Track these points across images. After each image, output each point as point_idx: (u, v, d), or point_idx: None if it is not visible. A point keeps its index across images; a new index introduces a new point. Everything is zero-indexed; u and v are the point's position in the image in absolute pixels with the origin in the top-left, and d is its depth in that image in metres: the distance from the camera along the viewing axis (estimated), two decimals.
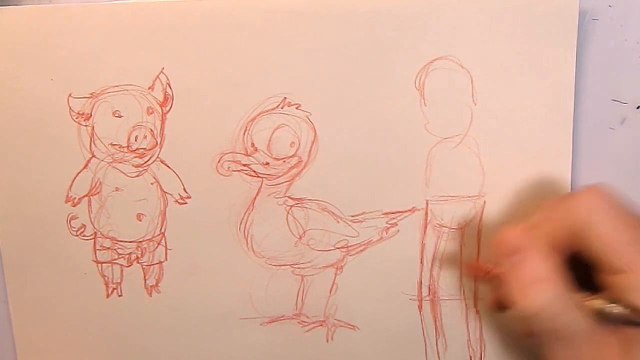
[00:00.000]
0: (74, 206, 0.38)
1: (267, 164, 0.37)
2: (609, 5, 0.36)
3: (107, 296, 0.39)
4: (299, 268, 0.38)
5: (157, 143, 0.37)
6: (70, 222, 0.38)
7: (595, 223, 0.29)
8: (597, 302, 0.29)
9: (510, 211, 0.37)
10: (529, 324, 0.30)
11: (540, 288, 0.29)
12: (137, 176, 0.37)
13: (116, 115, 0.37)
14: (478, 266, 0.36)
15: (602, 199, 0.29)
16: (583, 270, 0.31)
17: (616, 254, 0.29)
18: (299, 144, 0.37)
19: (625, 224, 0.29)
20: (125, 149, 0.37)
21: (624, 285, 0.28)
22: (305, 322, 0.39)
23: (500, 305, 0.34)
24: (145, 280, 0.38)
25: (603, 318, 0.29)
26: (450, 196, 0.37)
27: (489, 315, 0.38)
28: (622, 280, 0.29)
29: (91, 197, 0.38)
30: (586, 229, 0.29)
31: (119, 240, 0.38)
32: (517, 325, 0.33)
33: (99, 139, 0.37)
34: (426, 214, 0.37)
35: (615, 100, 0.37)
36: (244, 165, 0.37)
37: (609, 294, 0.29)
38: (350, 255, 0.38)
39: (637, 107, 0.37)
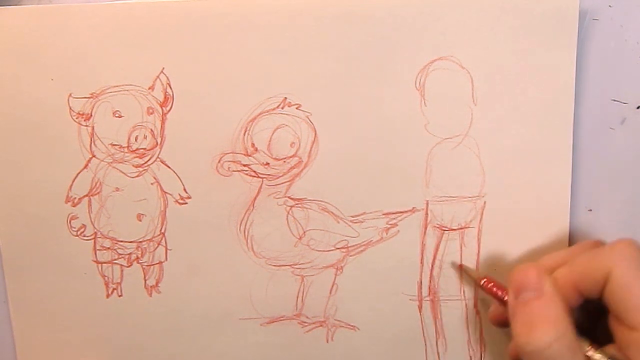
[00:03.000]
0: (74, 206, 0.38)
1: (267, 164, 0.37)
2: (609, 5, 0.36)
3: (107, 296, 0.39)
4: (299, 268, 0.38)
5: (157, 143, 0.37)
6: (70, 222, 0.38)
7: (622, 274, 0.29)
8: (598, 356, 0.30)
9: (510, 211, 0.37)
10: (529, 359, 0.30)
11: (546, 328, 0.30)
12: (137, 176, 0.37)
13: (116, 115, 0.37)
14: (492, 282, 0.36)
15: (635, 253, 0.29)
16: (598, 314, 0.31)
17: (635, 311, 0.29)
18: (299, 144, 0.37)
19: None
20: (126, 149, 0.37)
21: (632, 342, 0.29)
22: (305, 322, 0.39)
23: (500, 322, 0.35)
24: (145, 280, 0.38)
25: None
26: (450, 196, 0.37)
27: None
28: (632, 337, 0.29)
29: (91, 197, 0.38)
30: (612, 278, 0.29)
31: (119, 241, 0.38)
32: (514, 352, 0.33)
33: (99, 139, 0.37)
34: (426, 214, 0.37)
35: (615, 100, 0.37)
36: (244, 165, 0.37)
37: (616, 347, 0.30)
38: (351, 256, 0.38)
39: (637, 107, 0.37)
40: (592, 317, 0.32)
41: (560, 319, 0.30)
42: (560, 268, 0.32)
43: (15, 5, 0.35)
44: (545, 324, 0.30)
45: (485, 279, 0.36)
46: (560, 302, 0.30)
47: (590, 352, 0.30)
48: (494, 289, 0.35)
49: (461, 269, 0.38)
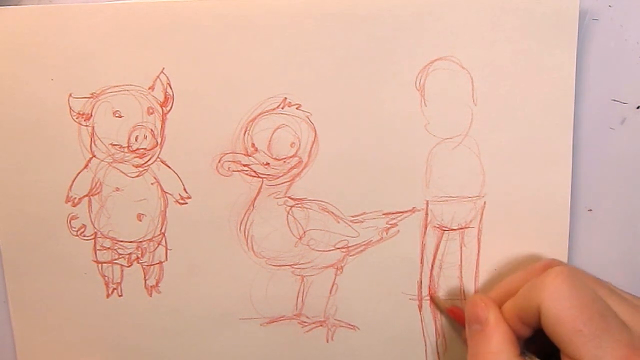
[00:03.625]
0: (74, 206, 0.38)
1: (268, 164, 0.37)
2: (609, 5, 0.36)
3: (107, 296, 0.39)
4: (299, 268, 0.38)
5: (157, 143, 0.37)
6: (70, 222, 0.38)
7: (550, 308, 0.30)
8: None
9: (510, 211, 0.37)
10: None
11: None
12: (137, 176, 0.37)
13: (116, 115, 0.37)
14: (456, 311, 0.37)
15: (566, 286, 0.30)
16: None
17: (567, 343, 0.29)
18: (299, 144, 0.37)
19: (585, 313, 0.29)
20: (126, 149, 0.37)
21: None
22: (305, 322, 0.39)
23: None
24: (145, 280, 0.38)
25: None
26: (450, 197, 0.37)
27: None
28: None
29: (91, 197, 0.38)
30: (542, 313, 0.30)
31: (119, 241, 0.38)
32: None
33: (99, 139, 0.37)
34: (426, 214, 0.37)
35: (615, 100, 0.37)
36: (244, 165, 0.37)
37: None
38: (351, 256, 0.38)
39: (637, 107, 0.37)
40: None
41: (504, 352, 0.31)
42: (510, 298, 0.33)
43: (15, 5, 0.35)
44: (488, 355, 0.32)
45: (451, 307, 0.37)
46: (504, 334, 0.32)
47: None
48: (459, 317, 0.37)
49: (432, 299, 0.38)
